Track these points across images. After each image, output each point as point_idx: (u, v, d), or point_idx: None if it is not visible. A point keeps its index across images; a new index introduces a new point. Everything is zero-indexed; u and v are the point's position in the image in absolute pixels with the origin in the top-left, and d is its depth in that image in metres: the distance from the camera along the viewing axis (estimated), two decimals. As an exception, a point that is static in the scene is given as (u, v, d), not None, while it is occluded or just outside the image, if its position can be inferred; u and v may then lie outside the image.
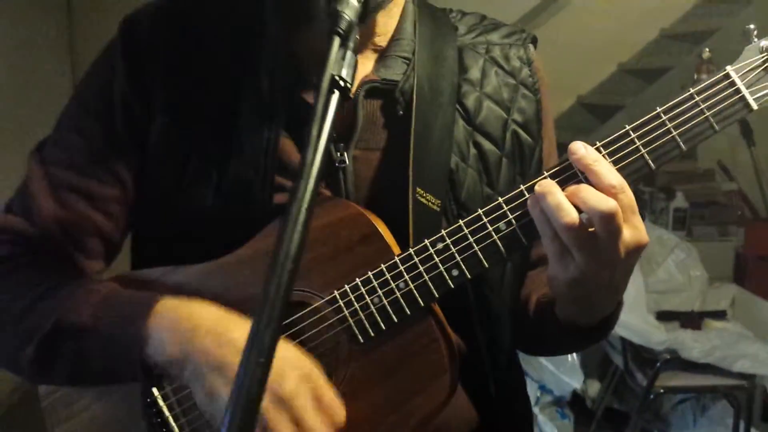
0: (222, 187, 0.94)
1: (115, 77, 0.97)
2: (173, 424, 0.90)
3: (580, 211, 0.81)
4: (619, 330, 2.98)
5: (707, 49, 3.58)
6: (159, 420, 0.90)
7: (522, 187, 0.88)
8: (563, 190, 0.83)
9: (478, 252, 0.87)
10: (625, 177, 0.84)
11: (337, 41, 0.68)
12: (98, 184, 0.97)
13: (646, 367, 3.08)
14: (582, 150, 0.84)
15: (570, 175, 0.85)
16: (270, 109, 0.94)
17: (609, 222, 0.80)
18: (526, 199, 0.86)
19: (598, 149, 0.86)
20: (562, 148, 1.07)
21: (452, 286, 0.88)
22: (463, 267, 0.88)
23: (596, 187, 0.82)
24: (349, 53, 0.68)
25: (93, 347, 0.88)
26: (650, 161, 0.86)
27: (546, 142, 1.06)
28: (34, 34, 4.23)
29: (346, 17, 0.69)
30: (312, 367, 0.85)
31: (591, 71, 4.59)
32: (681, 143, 0.86)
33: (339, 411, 0.84)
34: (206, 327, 0.85)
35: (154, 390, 0.90)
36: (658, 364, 2.98)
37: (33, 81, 4.15)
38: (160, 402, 0.90)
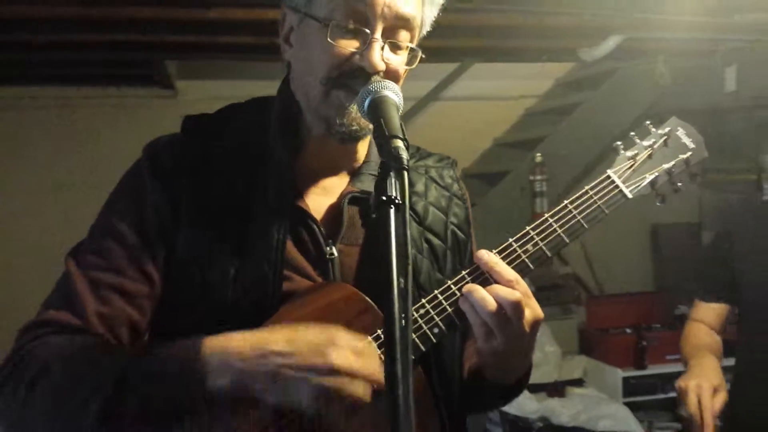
0: (240, 281, 1.14)
1: (145, 191, 1.16)
2: None
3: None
4: (498, 404, 3.32)
5: (539, 154, 4.20)
6: None
7: (463, 272, 1.17)
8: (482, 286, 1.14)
9: (451, 313, 1.16)
10: (533, 263, 1.18)
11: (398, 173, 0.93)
12: (132, 282, 1.14)
13: (523, 437, 3.42)
14: (485, 256, 1.16)
15: (482, 273, 1.17)
16: (277, 214, 1.17)
17: (516, 307, 1.11)
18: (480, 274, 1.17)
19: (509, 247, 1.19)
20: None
21: (434, 340, 1.15)
22: (441, 325, 1.15)
23: (499, 282, 1.14)
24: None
25: (160, 387, 1.03)
26: (547, 251, 1.19)
27: (473, 239, 1.37)
28: None
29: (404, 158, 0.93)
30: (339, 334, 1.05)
31: (439, 177, 5.09)
32: (584, 224, 1.21)
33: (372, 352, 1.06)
34: (251, 344, 1.04)
35: None
36: (534, 432, 3.34)
37: None
38: None
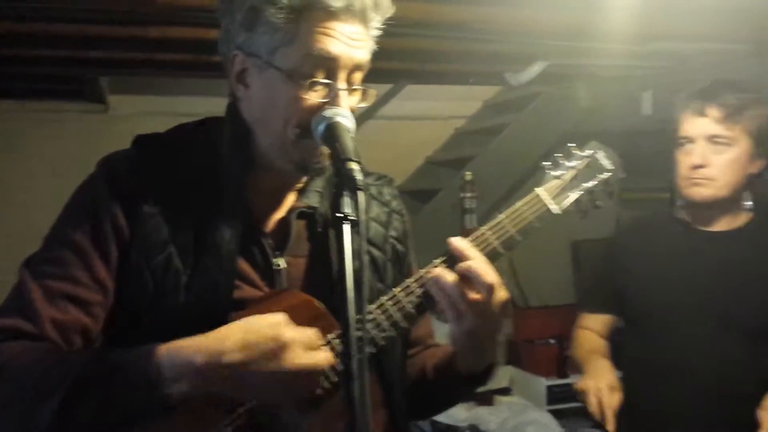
0: (192, 289, 1.21)
1: (100, 202, 1.21)
2: None
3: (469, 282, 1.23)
4: (430, 413, 3.43)
5: (469, 173, 4.36)
6: None
7: (408, 281, 1.27)
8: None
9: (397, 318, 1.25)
10: None
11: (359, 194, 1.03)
12: (86, 290, 1.19)
13: (454, 445, 3.54)
14: (457, 241, 1.26)
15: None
16: (229, 227, 1.25)
17: (491, 289, 1.21)
18: (424, 283, 1.26)
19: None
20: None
21: (383, 343, 1.24)
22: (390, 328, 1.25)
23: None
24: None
25: (115, 393, 1.08)
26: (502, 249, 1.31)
27: (412, 252, 1.48)
28: None
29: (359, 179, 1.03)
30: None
31: (372, 194, 5.21)
32: (515, 234, 1.32)
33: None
34: (206, 354, 1.10)
35: None
36: (464, 440, 3.45)
37: None
38: None
